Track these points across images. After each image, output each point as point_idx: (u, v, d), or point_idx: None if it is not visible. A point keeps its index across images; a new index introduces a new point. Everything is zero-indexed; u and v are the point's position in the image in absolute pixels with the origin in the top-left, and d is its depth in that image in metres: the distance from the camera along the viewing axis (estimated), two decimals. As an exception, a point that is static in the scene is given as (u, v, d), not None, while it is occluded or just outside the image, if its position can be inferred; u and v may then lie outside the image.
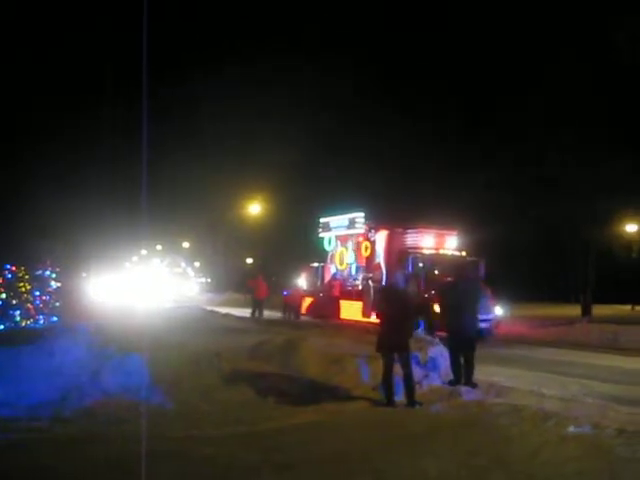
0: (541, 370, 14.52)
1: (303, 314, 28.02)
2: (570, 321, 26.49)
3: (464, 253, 24.57)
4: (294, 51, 60.48)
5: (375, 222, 25.93)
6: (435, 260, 23.09)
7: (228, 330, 19.17)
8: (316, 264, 29.57)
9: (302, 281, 29.55)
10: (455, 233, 25.34)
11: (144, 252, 63.99)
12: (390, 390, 10.21)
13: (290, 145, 46.06)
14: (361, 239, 26.17)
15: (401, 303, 10.55)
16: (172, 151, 51.81)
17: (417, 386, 10.65)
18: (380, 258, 24.93)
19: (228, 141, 54.18)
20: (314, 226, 29.63)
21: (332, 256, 28.12)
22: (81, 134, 46.69)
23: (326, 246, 28.49)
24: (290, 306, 28.23)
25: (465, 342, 11.66)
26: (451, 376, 11.66)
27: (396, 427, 9.00)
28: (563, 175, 32.86)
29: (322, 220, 28.68)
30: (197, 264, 67.59)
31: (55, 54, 57.45)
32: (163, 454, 7.19)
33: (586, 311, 34.26)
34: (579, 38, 31.68)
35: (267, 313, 28.40)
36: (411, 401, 10.09)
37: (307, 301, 28.53)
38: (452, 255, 23.90)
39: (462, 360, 11.59)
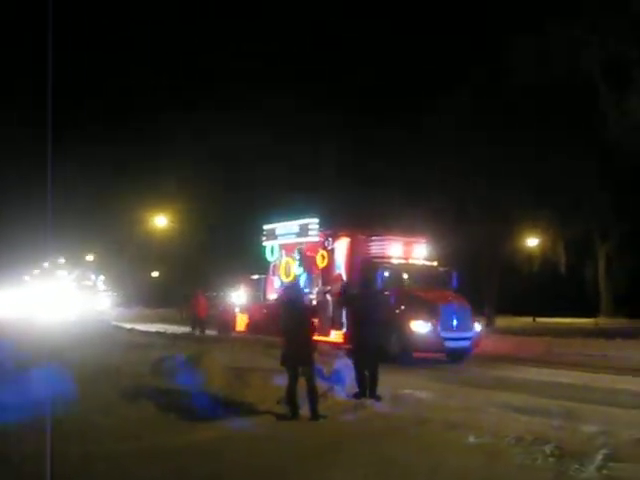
0: (446, 382, 14.70)
1: (241, 332, 25.61)
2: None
3: (435, 263, 22.52)
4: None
5: (333, 229, 23.31)
6: (405, 271, 21.08)
7: (132, 345, 18.72)
8: (256, 276, 27.04)
9: (240, 295, 27.24)
10: (424, 241, 22.85)
11: (46, 265, 62.25)
12: (295, 404, 10.13)
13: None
14: (316, 248, 23.20)
15: (303, 316, 10.49)
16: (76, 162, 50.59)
17: (322, 399, 10.60)
18: (340, 269, 22.08)
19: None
20: (255, 234, 27.15)
21: (275, 267, 25.30)
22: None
23: (268, 256, 25.68)
24: (222, 322, 27.38)
25: (369, 354, 11.69)
26: (356, 389, 11.65)
27: (301, 441, 8.91)
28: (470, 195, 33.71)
29: (267, 227, 25.91)
30: (102, 277, 66.24)
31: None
32: (58, 473, 6.90)
33: (489, 323, 35.03)
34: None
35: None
36: (315, 415, 10.02)
37: (245, 317, 26.20)
38: (423, 265, 21.96)
39: (367, 373, 11.61)
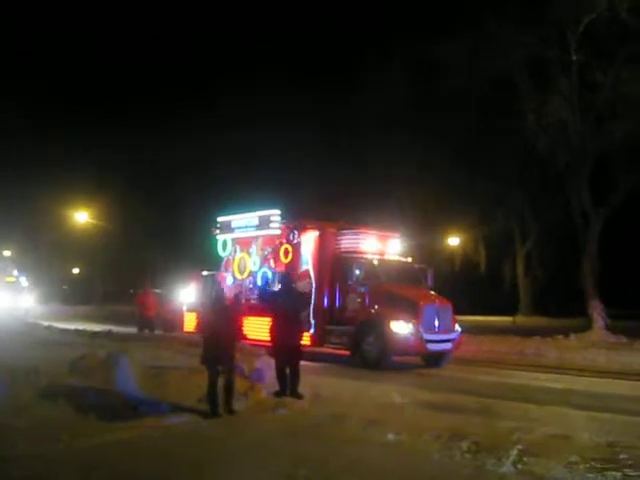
0: (366, 380, 14.75)
1: (189, 332, 23.12)
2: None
3: (410, 259, 21.18)
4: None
5: (298, 221, 21.04)
6: (380, 267, 19.20)
7: (50, 343, 18.30)
8: (206, 272, 24.38)
9: (189, 293, 24.63)
10: (398, 236, 21.20)
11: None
12: (215, 402, 10.05)
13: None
14: (278, 242, 21.05)
15: (226, 315, 10.43)
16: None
17: (243, 398, 10.54)
18: (308, 264, 19.98)
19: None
20: (206, 228, 24.78)
21: (228, 263, 23.09)
22: None
23: (220, 251, 23.40)
24: (168, 322, 26.10)
25: (290, 352, 11.66)
26: (277, 387, 11.61)
27: (221, 439, 8.86)
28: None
29: (221, 219, 23.39)
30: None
31: None
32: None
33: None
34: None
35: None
36: (230, 409, 10.06)
37: (193, 317, 23.52)
38: (399, 261, 20.41)
39: (288, 371, 11.59)
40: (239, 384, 10.65)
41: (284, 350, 11.68)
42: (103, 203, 50.00)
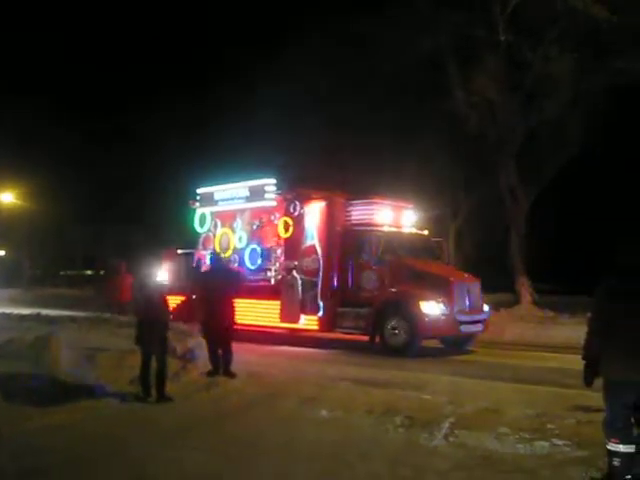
0: (300, 359, 14.78)
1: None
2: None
3: (426, 232, 19.21)
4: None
5: (299, 191, 18.62)
6: (399, 241, 17.34)
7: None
8: (183, 251, 21.89)
9: (163, 273, 20.62)
10: (411, 207, 19.18)
11: None
12: (148, 384, 9.92)
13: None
14: (274, 215, 18.80)
15: (156, 295, 10.29)
16: None
17: (175, 378, 10.46)
18: (314, 239, 17.72)
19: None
20: (182, 200, 22.38)
21: (207, 239, 20.53)
22: None
23: (197, 226, 20.77)
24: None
25: (221, 332, 11.58)
26: (210, 367, 11.54)
27: (154, 421, 8.77)
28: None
29: (201, 191, 20.85)
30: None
31: None
32: None
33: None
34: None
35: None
36: (161, 396, 9.83)
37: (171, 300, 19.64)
38: (416, 234, 18.50)
39: (220, 350, 11.53)
40: (171, 365, 10.55)
41: (214, 331, 11.61)
42: (30, 180, 47.59)
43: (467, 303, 16.20)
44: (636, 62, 22.16)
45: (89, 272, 63.08)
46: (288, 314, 17.76)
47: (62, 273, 64.55)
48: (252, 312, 18.03)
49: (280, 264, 18.48)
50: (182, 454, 7.12)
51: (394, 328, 15.66)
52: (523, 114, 25.68)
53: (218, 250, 19.51)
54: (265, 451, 7.22)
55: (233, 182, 20.11)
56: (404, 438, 7.63)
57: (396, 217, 18.15)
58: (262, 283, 18.63)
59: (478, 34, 25.29)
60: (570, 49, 23.68)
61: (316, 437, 7.71)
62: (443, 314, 15.49)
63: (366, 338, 16.42)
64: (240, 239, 19.47)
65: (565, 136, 25.15)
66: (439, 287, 15.85)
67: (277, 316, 18.00)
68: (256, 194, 19.16)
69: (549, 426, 7.63)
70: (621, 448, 5.62)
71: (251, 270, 18.87)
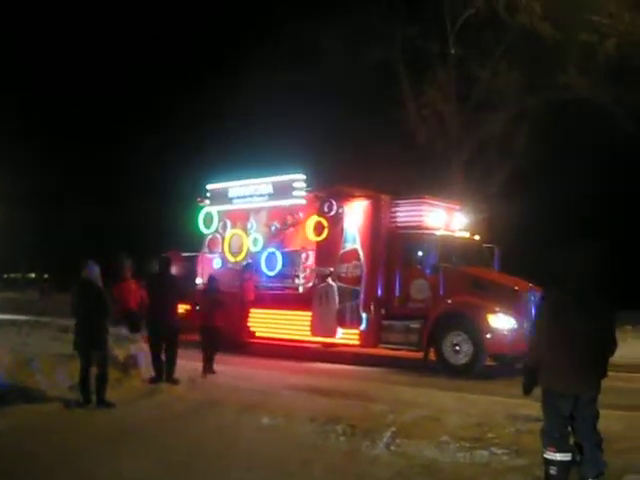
0: (246, 366, 14.65)
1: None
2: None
3: (477, 236, 16.94)
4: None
5: (336, 189, 16.48)
6: (453, 246, 15.42)
7: None
8: (189, 254, 19.28)
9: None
10: (460, 209, 17.24)
11: None
12: (87, 390, 9.74)
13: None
14: (303, 215, 16.80)
15: (95, 299, 10.06)
16: None
17: (117, 385, 10.31)
18: (355, 242, 15.68)
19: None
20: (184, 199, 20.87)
21: (213, 241, 18.41)
22: None
23: (202, 227, 18.71)
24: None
25: (165, 338, 11.46)
26: (152, 373, 11.40)
27: (94, 427, 8.65)
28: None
29: (212, 187, 18.61)
30: None
31: None
32: None
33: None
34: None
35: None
36: (101, 402, 9.66)
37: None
38: (468, 239, 16.57)
39: (163, 357, 11.41)
40: (113, 371, 10.39)
41: (158, 337, 11.48)
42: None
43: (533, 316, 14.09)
44: (579, 77, 22.78)
45: (33, 275, 62.36)
46: (322, 327, 15.77)
47: (6, 276, 63.59)
48: (275, 324, 16.63)
49: (310, 270, 16.49)
50: (120, 462, 7.01)
51: (455, 344, 13.77)
52: (471, 126, 26.08)
53: (228, 254, 17.92)
54: (205, 459, 7.16)
55: (253, 178, 18.07)
56: (345, 447, 7.63)
57: (448, 220, 16.29)
58: (287, 291, 16.69)
59: (429, 47, 25.65)
60: (517, 65, 24.18)
61: (255, 445, 7.67)
62: (514, 329, 13.56)
63: (413, 354, 14.79)
64: (255, 242, 17.51)
65: (512, 148, 25.58)
66: (506, 298, 14.05)
67: (307, 329, 16.08)
68: (281, 191, 17.16)
69: (489, 435, 7.69)
70: (557, 457, 5.68)
71: (269, 277, 17.01)
